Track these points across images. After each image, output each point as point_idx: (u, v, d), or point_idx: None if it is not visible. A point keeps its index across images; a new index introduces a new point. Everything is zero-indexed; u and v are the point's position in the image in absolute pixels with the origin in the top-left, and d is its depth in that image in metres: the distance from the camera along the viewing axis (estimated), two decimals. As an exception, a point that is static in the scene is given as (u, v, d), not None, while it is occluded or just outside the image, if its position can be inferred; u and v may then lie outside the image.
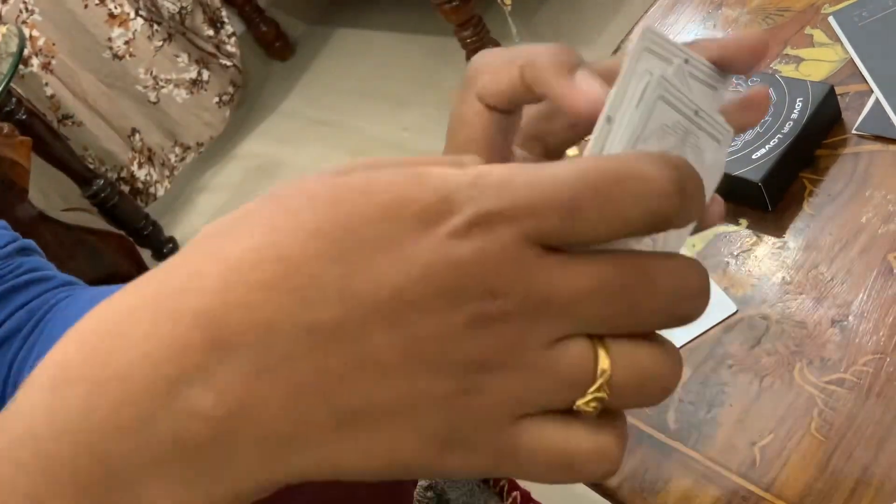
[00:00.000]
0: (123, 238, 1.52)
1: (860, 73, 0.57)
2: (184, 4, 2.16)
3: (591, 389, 0.22)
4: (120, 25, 2.01)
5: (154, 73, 2.09)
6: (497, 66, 0.33)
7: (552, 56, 0.31)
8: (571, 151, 0.39)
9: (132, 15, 2.01)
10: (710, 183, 0.29)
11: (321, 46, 2.43)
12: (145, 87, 2.10)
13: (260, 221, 0.22)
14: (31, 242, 0.52)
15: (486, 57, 0.34)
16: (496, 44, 1.86)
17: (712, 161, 0.29)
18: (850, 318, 0.46)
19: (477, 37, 1.82)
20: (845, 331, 0.46)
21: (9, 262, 0.49)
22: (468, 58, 1.89)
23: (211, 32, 2.23)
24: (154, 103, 2.13)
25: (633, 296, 0.22)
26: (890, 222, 0.49)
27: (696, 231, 0.32)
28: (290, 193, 0.22)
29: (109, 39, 2.01)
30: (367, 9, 2.41)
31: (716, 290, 0.52)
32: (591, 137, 0.26)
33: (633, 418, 0.49)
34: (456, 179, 0.21)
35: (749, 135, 0.54)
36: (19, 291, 0.49)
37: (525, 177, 0.21)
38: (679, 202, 0.22)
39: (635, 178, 0.21)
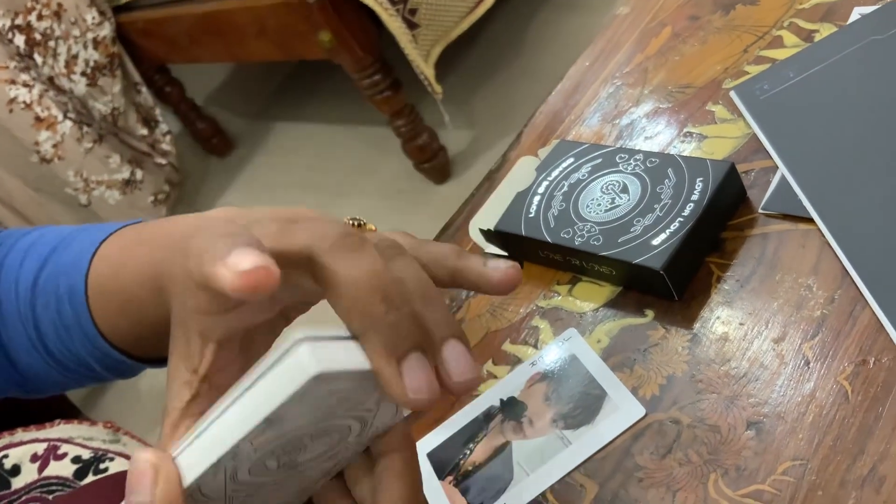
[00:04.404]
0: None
1: (765, 148, 0.54)
2: (116, 105, 2.13)
3: None
4: (48, 129, 1.96)
5: (84, 175, 2.04)
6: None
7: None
8: None
9: (60, 118, 1.97)
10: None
11: (259, 141, 2.41)
12: (75, 189, 2.04)
13: None
14: None
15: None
16: (431, 132, 1.85)
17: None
18: (766, 419, 0.42)
19: (411, 125, 1.81)
20: (762, 434, 0.41)
21: None
22: (403, 147, 1.87)
23: (145, 132, 2.19)
24: (85, 206, 2.07)
25: None
26: (803, 308, 0.45)
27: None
28: None
29: (36, 143, 1.96)
30: (303, 103, 2.40)
31: (624, 393, 0.47)
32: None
33: (536, 546, 0.43)
34: None
35: (649, 219, 0.50)
36: None
37: None
38: None
39: None
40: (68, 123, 1.99)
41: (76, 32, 2.02)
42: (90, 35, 2.05)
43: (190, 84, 2.38)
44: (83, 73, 2.05)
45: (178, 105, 2.34)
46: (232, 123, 2.49)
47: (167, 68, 2.29)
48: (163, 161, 2.22)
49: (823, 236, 0.47)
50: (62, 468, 0.99)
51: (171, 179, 2.25)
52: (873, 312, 0.43)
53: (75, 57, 2.04)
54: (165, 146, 2.24)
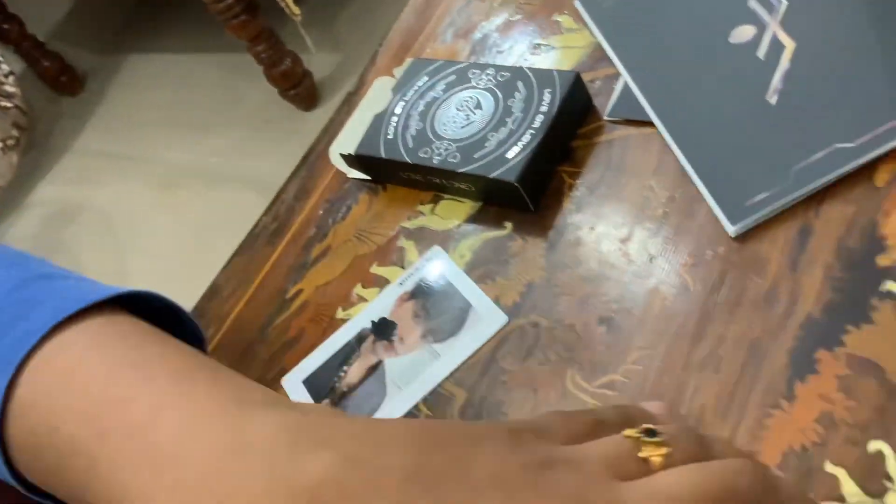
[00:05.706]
0: None
1: (608, 56, 0.56)
2: (-53, 45, 1.96)
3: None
4: None
5: (-81, 124, 1.89)
6: None
7: None
8: None
9: None
10: None
11: (113, 77, 2.28)
12: (-89, 140, 1.89)
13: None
14: None
15: None
16: (294, 56, 1.80)
17: None
18: (616, 315, 0.44)
19: (272, 51, 1.75)
20: (613, 329, 0.44)
21: None
22: (266, 73, 1.81)
23: (-17, 73, 2.04)
24: (-76, 157, 1.92)
25: None
26: (646, 208, 0.47)
27: None
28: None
29: None
30: (157, 33, 2.28)
31: (487, 303, 0.49)
32: None
33: (412, 455, 0.45)
34: None
35: (502, 133, 0.51)
36: None
37: None
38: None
39: None
40: None
41: None
42: None
43: (30, 19, 2.21)
44: None
45: (20, 43, 2.18)
46: (81, 59, 2.34)
47: (2, 3, 2.12)
48: (8, 104, 2.08)
49: (663, 139, 0.49)
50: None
51: (18, 123, 2.11)
52: (709, 208, 0.46)
53: None
54: (9, 87, 2.10)
